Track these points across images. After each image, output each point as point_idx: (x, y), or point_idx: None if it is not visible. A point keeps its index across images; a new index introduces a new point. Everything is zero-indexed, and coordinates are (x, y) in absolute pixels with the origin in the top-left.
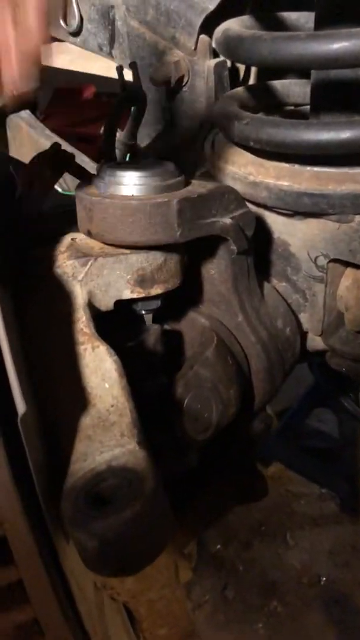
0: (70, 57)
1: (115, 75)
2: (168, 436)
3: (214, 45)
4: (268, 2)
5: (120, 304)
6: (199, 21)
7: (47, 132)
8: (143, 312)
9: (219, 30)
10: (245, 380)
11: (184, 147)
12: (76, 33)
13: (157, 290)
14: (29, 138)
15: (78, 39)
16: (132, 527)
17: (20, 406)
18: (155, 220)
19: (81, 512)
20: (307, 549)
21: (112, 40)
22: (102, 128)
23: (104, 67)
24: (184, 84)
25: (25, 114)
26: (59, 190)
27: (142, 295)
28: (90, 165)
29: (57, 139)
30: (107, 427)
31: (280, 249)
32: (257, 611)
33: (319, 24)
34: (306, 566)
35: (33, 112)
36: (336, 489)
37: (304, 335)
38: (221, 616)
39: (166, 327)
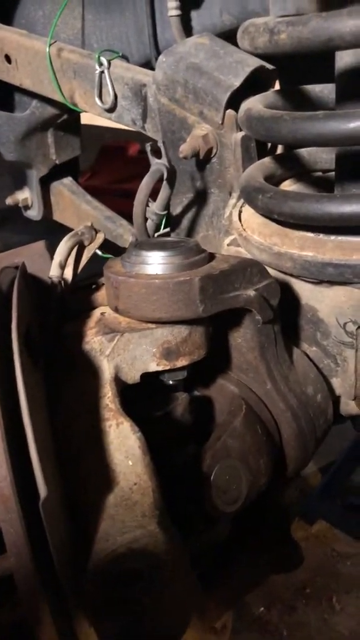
0: None
1: None
2: (196, 508)
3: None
4: (292, 76)
5: (147, 375)
6: (225, 98)
7: (88, 197)
8: (170, 382)
9: (242, 109)
10: (276, 448)
11: (215, 215)
12: (111, 109)
13: (182, 362)
14: (71, 203)
15: (113, 115)
16: (150, 617)
17: (42, 490)
18: (177, 297)
19: (102, 600)
20: (355, 614)
21: (144, 116)
22: (135, 201)
23: None
24: (212, 155)
25: (67, 180)
26: (99, 253)
27: (168, 367)
28: (128, 228)
29: (97, 203)
30: (130, 506)
31: (309, 315)
32: None
33: (340, 99)
34: (354, 633)
35: (75, 178)
36: None
37: (336, 400)
38: None
39: (196, 393)
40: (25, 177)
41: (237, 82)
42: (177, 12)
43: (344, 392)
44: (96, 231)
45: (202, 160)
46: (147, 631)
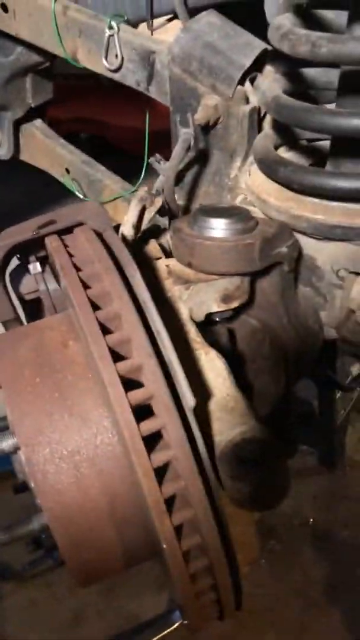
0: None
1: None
2: None
3: (261, 105)
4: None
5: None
6: (238, 75)
7: (62, 141)
8: (217, 319)
9: (266, 94)
10: (288, 363)
11: (217, 174)
12: (116, 70)
13: (234, 304)
14: (44, 146)
15: (117, 75)
16: (272, 477)
17: (191, 400)
18: (243, 256)
19: (235, 469)
20: (295, 496)
21: (150, 79)
22: (167, 168)
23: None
24: (219, 123)
25: (39, 123)
26: (80, 196)
27: (225, 309)
28: (108, 174)
29: (72, 147)
30: (229, 410)
31: (308, 263)
32: (259, 550)
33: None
34: (296, 511)
35: (43, 120)
36: (315, 446)
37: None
38: None
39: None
40: None
41: (247, 62)
42: None
43: (328, 322)
44: (155, 196)
45: (208, 126)
46: (270, 489)
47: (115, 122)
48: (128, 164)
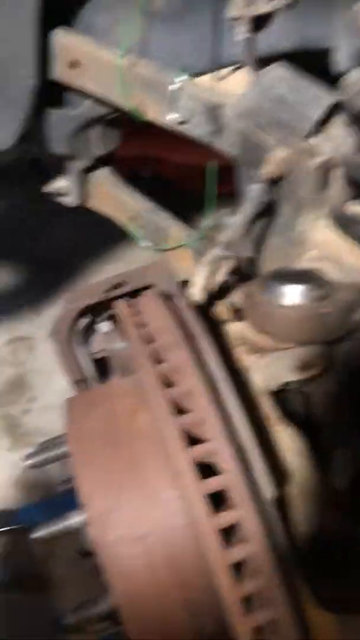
0: None
1: None
2: None
3: (333, 160)
4: None
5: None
6: (307, 129)
7: (129, 189)
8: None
9: (342, 150)
10: None
11: (283, 226)
12: (182, 123)
13: (312, 372)
14: (110, 193)
15: (182, 127)
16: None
17: (269, 492)
18: (320, 325)
19: (320, 566)
20: None
21: (216, 133)
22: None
23: None
24: (288, 175)
25: (107, 171)
26: (143, 244)
27: (302, 377)
28: (172, 222)
29: (138, 195)
30: (309, 496)
31: None
32: None
33: None
34: None
35: (110, 165)
36: None
37: None
38: None
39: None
40: (64, 167)
41: (318, 115)
42: (246, 35)
43: None
44: (225, 257)
45: (276, 180)
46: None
47: (174, 159)
48: (187, 201)
